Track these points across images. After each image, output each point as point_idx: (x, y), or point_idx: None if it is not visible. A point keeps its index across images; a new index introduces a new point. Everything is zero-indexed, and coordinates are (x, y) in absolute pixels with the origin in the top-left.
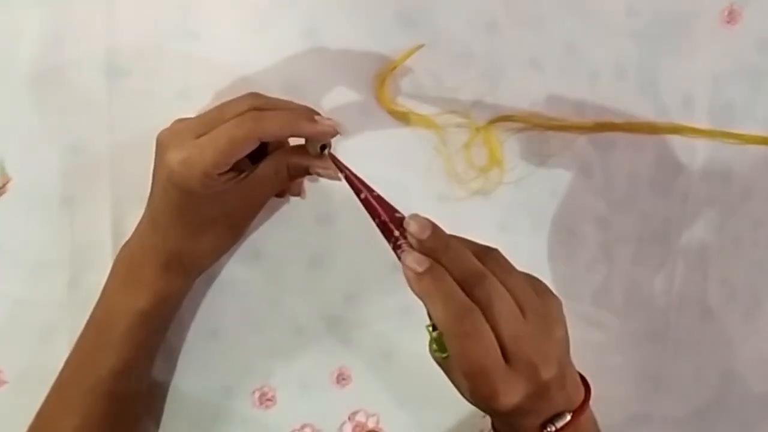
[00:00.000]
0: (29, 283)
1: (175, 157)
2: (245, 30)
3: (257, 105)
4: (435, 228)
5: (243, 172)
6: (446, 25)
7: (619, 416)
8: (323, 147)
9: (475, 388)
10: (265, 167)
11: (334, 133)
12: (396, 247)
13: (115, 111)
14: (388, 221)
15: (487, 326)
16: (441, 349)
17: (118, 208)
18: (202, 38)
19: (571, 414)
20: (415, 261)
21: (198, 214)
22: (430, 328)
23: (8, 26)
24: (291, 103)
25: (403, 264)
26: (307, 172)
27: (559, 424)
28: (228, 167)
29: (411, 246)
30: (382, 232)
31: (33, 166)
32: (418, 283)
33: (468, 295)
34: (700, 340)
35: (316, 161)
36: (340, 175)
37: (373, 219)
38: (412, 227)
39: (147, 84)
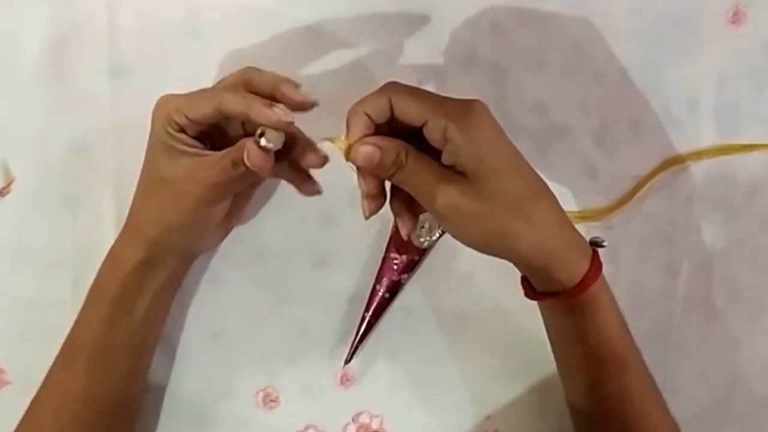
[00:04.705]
0: (33, 283)
1: (158, 100)
2: (248, 29)
3: (247, 76)
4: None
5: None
6: (451, 25)
7: None
8: (261, 133)
9: None
10: (222, 152)
11: (281, 126)
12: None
13: (118, 110)
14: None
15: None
16: None
17: (121, 207)
18: (205, 37)
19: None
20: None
21: (154, 168)
22: None
23: (12, 26)
24: (279, 77)
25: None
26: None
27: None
28: (188, 122)
29: None
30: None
31: (37, 166)
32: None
33: None
34: (705, 342)
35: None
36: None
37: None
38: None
39: (150, 83)
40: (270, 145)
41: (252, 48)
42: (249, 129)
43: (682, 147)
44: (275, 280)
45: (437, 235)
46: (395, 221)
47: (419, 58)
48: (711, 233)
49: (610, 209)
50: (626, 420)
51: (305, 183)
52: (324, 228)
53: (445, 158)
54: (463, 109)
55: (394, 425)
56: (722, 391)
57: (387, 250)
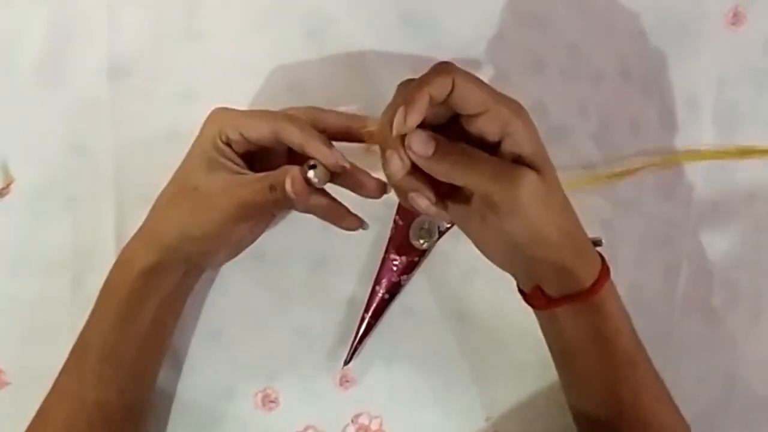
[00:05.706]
0: (32, 284)
1: (212, 112)
2: (249, 30)
3: (313, 114)
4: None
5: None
6: (450, 28)
7: None
8: (312, 166)
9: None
10: (262, 174)
11: (336, 167)
12: None
13: (117, 111)
14: None
15: None
16: None
17: (120, 208)
18: (206, 38)
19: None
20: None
21: (188, 176)
22: None
23: (11, 27)
24: (346, 115)
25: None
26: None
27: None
28: (241, 139)
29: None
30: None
31: (36, 167)
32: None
33: None
34: (703, 344)
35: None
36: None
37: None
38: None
39: (149, 84)
40: (316, 180)
41: (252, 49)
42: (294, 159)
43: (682, 147)
44: (275, 281)
45: (437, 236)
46: (394, 222)
47: (419, 58)
48: (710, 234)
49: (608, 177)
50: (639, 422)
51: (345, 217)
52: (324, 229)
53: (505, 150)
54: (517, 105)
55: (393, 426)
56: (722, 392)
57: (386, 251)
